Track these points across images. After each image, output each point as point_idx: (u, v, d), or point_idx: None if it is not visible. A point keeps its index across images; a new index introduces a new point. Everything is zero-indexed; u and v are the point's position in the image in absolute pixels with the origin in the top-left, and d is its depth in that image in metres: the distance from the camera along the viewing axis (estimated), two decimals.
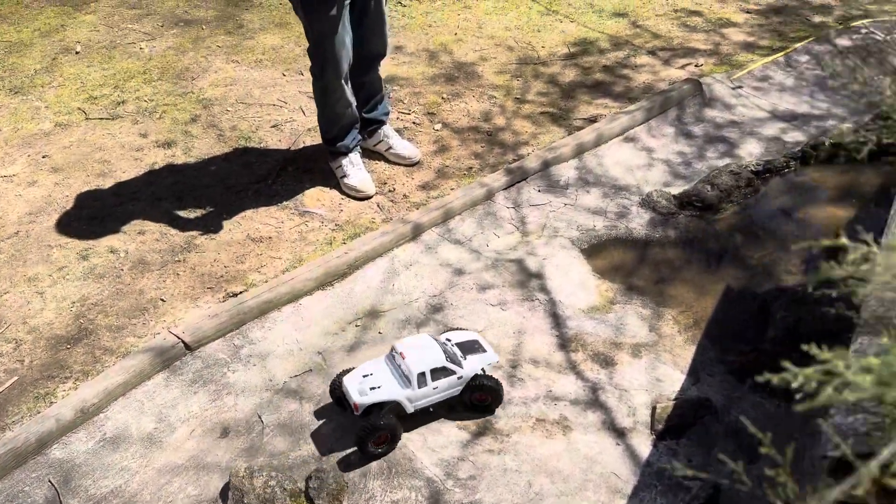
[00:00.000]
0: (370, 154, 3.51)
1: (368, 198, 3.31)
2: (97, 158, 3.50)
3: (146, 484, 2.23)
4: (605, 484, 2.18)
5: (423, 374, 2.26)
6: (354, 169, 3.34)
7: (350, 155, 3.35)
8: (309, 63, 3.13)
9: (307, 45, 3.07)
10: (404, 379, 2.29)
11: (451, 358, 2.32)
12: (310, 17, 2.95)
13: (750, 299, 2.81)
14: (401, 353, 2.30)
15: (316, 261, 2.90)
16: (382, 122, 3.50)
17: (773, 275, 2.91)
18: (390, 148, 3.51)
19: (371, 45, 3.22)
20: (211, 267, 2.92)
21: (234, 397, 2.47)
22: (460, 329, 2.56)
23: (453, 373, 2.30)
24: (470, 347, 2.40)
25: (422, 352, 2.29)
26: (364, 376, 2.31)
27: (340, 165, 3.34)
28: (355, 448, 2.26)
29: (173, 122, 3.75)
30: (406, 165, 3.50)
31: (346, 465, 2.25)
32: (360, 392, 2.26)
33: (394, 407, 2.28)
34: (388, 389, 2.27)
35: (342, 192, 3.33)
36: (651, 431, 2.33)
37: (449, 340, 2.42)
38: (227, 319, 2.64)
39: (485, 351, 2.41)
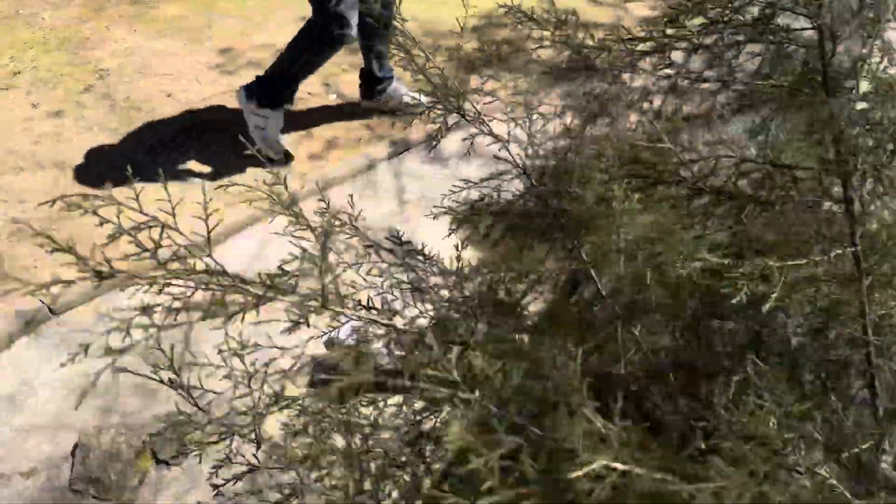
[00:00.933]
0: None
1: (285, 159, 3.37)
2: None
3: (2, 443, 2.33)
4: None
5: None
6: (274, 123, 3.33)
7: (279, 109, 3.36)
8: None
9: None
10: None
11: None
12: None
13: None
14: None
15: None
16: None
17: None
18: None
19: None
20: (87, 236, 2.99)
21: (95, 361, 2.56)
22: None
23: None
24: None
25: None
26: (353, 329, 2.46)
27: (266, 116, 3.32)
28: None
29: (66, 92, 3.77)
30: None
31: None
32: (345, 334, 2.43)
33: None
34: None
35: (231, 161, 3.39)
36: None
37: None
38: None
39: None
